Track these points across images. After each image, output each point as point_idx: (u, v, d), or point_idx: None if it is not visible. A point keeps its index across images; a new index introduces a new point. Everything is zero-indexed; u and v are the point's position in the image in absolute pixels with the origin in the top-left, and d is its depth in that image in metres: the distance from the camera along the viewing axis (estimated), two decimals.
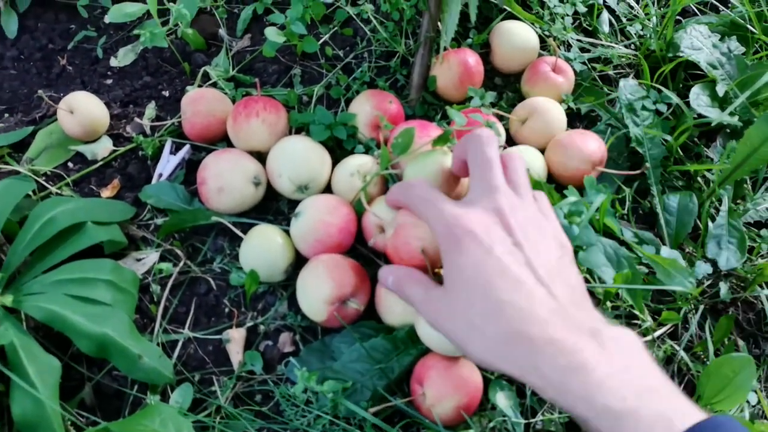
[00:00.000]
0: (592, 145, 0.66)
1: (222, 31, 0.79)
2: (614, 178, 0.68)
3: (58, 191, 0.67)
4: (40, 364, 0.52)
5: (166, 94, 0.75)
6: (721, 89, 0.72)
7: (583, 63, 0.78)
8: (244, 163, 0.64)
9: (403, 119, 0.69)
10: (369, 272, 0.60)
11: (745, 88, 0.71)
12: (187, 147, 0.69)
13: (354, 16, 0.78)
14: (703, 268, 0.64)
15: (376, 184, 0.63)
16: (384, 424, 0.53)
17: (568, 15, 0.82)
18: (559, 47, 0.79)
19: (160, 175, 0.68)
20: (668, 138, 0.69)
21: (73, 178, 0.68)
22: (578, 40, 0.81)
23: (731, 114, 0.70)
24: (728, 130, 0.75)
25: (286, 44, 0.68)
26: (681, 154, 0.72)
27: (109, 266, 0.58)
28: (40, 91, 0.73)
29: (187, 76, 0.77)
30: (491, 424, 0.54)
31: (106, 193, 0.67)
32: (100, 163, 0.70)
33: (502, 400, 0.54)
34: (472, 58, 0.72)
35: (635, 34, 0.84)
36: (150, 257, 0.64)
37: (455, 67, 0.71)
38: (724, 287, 0.65)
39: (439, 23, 0.67)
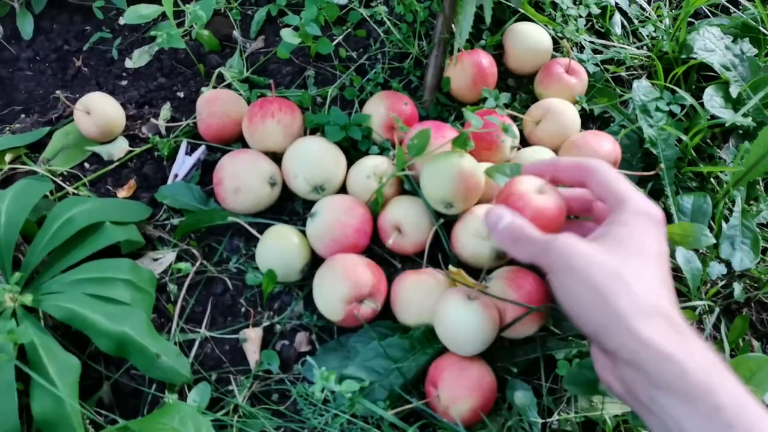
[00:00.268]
0: (606, 146, 0.66)
1: (236, 33, 0.80)
2: (628, 179, 0.68)
3: (75, 191, 0.67)
4: (60, 363, 0.52)
5: (181, 95, 0.76)
6: (734, 91, 0.73)
7: (596, 64, 0.78)
8: (260, 164, 0.64)
9: (417, 120, 0.70)
10: (385, 272, 0.60)
11: (758, 89, 0.71)
12: (202, 148, 0.70)
13: (367, 18, 0.79)
14: (717, 269, 0.64)
15: (392, 185, 0.63)
16: (402, 423, 0.53)
17: (581, 17, 0.82)
18: (571, 49, 0.79)
19: (176, 176, 0.68)
20: (683, 137, 0.69)
21: (89, 178, 0.69)
22: (591, 42, 0.81)
23: (744, 115, 0.70)
24: (741, 132, 0.75)
25: (300, 46, 0.68)
26: (694, 155, 0.72)
27: (127, 266, 0.59)
28: (57, 92, 0.74)
29: (202, 78, 0.77)
30: (509, 423, 0.54)
31: (123, 193, 0.68)
32: (116, 163, 0.70)
33: (520, 398, 0.54)
34: (486, 60, 0.72)
35: (647, 35, 0.84)
36: (167, 257, 0.64)
37: (469, 69, 0.71)
38: (738, 288, 0.65)
39: (453, 25, 0.67)
